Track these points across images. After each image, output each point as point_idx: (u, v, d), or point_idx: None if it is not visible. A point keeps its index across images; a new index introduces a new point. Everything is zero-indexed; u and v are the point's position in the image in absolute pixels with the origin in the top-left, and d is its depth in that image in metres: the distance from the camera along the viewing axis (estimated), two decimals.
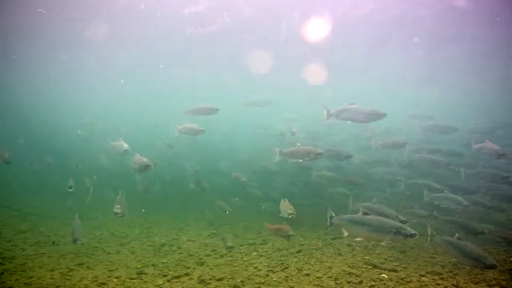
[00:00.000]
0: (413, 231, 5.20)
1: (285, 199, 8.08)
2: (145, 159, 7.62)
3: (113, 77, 22.56)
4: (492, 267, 5.40)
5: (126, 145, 8.59)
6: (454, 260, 6.93)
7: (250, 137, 18.72)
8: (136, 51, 18.04)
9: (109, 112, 26.61)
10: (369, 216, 5.72)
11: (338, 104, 7.43)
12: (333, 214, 6.21)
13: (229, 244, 8.36)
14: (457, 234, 5.96)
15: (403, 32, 14.49)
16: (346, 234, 5.99)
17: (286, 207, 7.82)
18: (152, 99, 28.78)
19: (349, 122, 7.37)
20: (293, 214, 7.59)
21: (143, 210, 12.40)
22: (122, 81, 21.64)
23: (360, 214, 5.81)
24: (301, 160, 8.17)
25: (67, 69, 20.85)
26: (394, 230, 5.26)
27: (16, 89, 24.72)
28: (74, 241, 7.45)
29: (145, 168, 7.50)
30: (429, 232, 6.55)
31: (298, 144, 8.20)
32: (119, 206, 7.66)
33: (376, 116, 6.96)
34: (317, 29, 14.20)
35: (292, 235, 7.51)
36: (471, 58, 17.18)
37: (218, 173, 14.45)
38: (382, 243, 5.66)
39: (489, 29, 13.60)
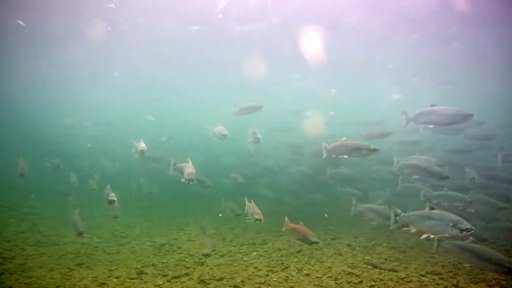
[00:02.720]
0: (468, 226, 4.92)
1: (251, 201, 7.46)
2: (192, 169, 6.63)
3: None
4: None
5: (142, 146, 8.30)
6: (454, 260, 6.93)
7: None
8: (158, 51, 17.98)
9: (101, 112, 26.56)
10: (434, 211, 5.42)
11: (341, 101, 7.20)
12: (399, 211, 5.97)
13: (206, 251, 7.48)
14: (471, 238, 5.61)
15: (403, 30, 14.48)
16: (413, 230, 5.73)
17: (253, 211, 7.16)
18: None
19: (431, 126, 6.72)
20: (261, 220, 6.95)
21: (133, 194, 12.41)
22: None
23: (427, 209, 5.52)
24: (346, 156, 7.28)
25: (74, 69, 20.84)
26: (452, 224, 5.03)
27: (12, 88, 24.69)
28: (80, 234, 7.72)
29: (192, 180, 6.50)
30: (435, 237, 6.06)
31: (344, 138, 7.35)
32: (113, 194, 7.73)
33: (462, 117, 6.24)
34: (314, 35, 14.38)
35: (316, 242, 6.74)
36: (473, 57, 17.24)
37: (218, 174, 14.45)
38: (442, 236, 5.43)
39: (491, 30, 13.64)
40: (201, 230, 10.41)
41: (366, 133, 10.92)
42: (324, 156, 7.68)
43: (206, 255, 7.62)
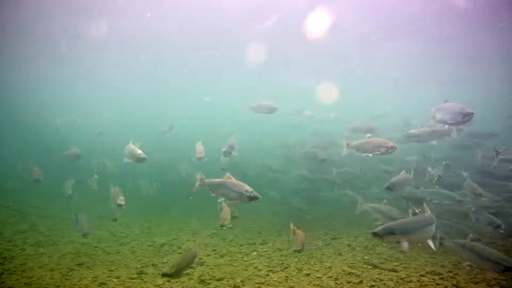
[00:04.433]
0: (438, 235, 4.77)
1: (225, 204, 6.94)
2: (248, 187, 5.45)
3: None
4: None
5: (132, 147, 7.34)
6: (454, 260, 6.92)
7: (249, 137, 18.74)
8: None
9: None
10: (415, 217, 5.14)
11: (343, 101, 7.16)
12: (410, 204, 5.79)
13: (166, 271, 6.58)
14: (470, 235, 5.53)
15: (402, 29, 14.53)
16: (406, 247, 4.87)
17: (221, 216, 6.84)
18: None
19: (447, 126, 6.37)
20: (225, 226, 6.65)
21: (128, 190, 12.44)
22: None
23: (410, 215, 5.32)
24: (370, 155, 6.96)
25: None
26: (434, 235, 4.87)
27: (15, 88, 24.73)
28: (85, 235, 7.81)
29: (250, 199, 5.36)
30: (437, 236, 5.70)
31: (368, 135, 7.12)
32: (122, 197, 7.63)
33: (462, 116, 5.89)
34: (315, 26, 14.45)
35: (297, 251, 6.65)
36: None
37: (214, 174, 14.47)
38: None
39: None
40: (192, 233, 10.24)
41: (351, 127, 10.70)
42: (344, 153, 7.63)
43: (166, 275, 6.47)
